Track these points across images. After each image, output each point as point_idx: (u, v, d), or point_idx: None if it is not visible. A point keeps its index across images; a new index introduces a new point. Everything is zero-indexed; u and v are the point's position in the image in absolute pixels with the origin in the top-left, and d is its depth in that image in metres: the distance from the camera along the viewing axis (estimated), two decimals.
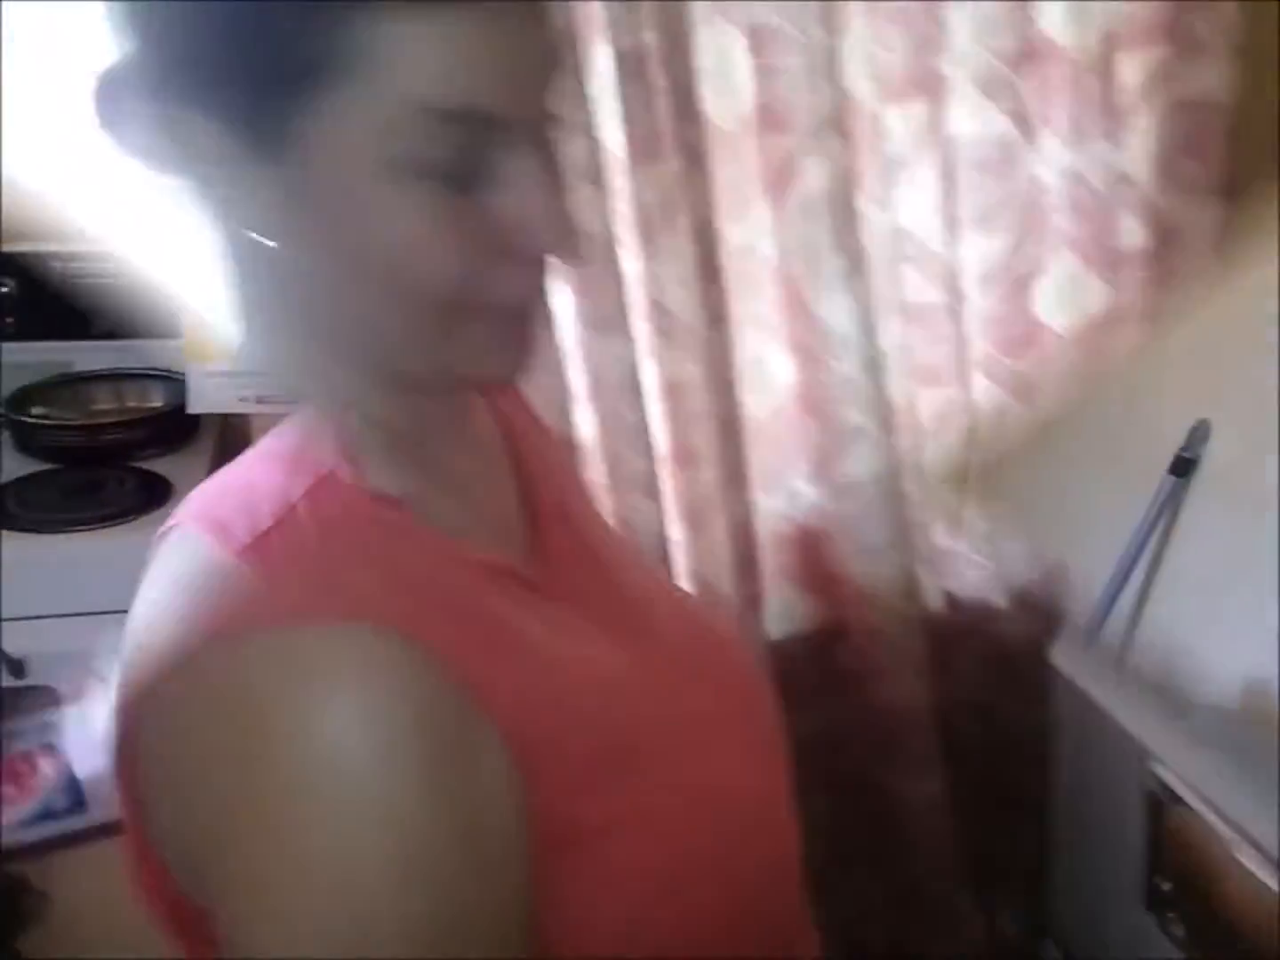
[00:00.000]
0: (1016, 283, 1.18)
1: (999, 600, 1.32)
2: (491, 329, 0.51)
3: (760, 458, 1.19)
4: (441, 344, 0.51)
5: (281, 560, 0.48)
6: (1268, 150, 1.20)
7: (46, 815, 1.08)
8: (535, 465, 0.64)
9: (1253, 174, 1.18)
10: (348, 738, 0.44)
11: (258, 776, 0.44)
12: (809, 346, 1.14)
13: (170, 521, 0.53)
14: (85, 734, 1.09)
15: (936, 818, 1.34)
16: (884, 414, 1.17)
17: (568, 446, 1.04)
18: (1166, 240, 1.18)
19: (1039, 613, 1.33)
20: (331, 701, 0.44)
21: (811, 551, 1.25)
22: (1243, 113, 1.13)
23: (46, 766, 1.09)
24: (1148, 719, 1.14)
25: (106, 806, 1.08)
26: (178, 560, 0.51)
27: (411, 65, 0.44)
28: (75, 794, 1.09)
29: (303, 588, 0.47)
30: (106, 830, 1.09)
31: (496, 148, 0.47)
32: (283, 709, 0.44)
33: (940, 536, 1.29)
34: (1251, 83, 1.12)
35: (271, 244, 0.48)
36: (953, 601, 1.31)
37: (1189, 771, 1.07)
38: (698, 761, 0.56)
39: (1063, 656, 1.27)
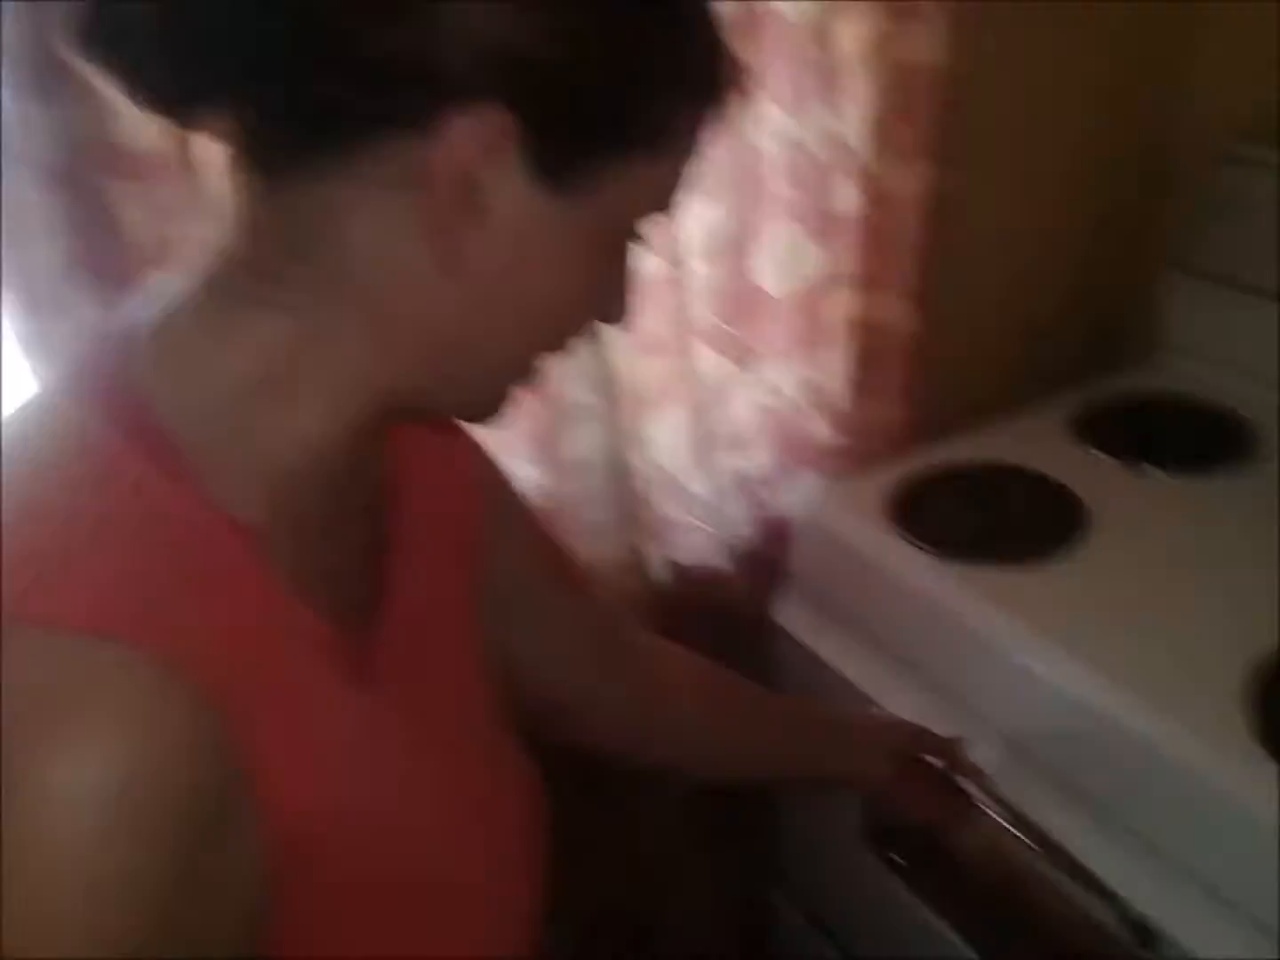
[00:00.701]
0: (736, 250, 1.15)
1: (723, 564, 1.32)
2: (530, 380, 0.54)
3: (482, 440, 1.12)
4: (492, 387, 0.53)
5: (70, 550, 0.42)
6: (979, 114, 1.23)
7: None
8: (417, 529, 0.59)
9: (964, 138, 1.20)
10: (76, 787, 0.37)
11: None
12: None
13: None
14: None
15: (664, 786, 1.34)
16: (608, 388, 1.12)
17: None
18: (879, 205, 1.19)
19: (762, 573, 1.34)
20: (70, 736, 0.38)
21: None
22: (955, 78, 1.14)
23: None
24: (870, 668, 1.17)
25: None
26: None
27: (687, 146, 0.50)
28: None
29: (87, 587, 0.41)
30: None
31: None
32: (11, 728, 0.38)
33: (664, 507, 1.26)
34: (963, 46, 1.13)
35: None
36: (679, 571, 1.29)
37: (906, 711, 1.10)
38: (447, 925, 0.52)
39: (785, 613, 1.29)
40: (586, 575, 0.81)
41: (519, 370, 0.54)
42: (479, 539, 0.66)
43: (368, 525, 0.57)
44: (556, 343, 0.54)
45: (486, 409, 0.55)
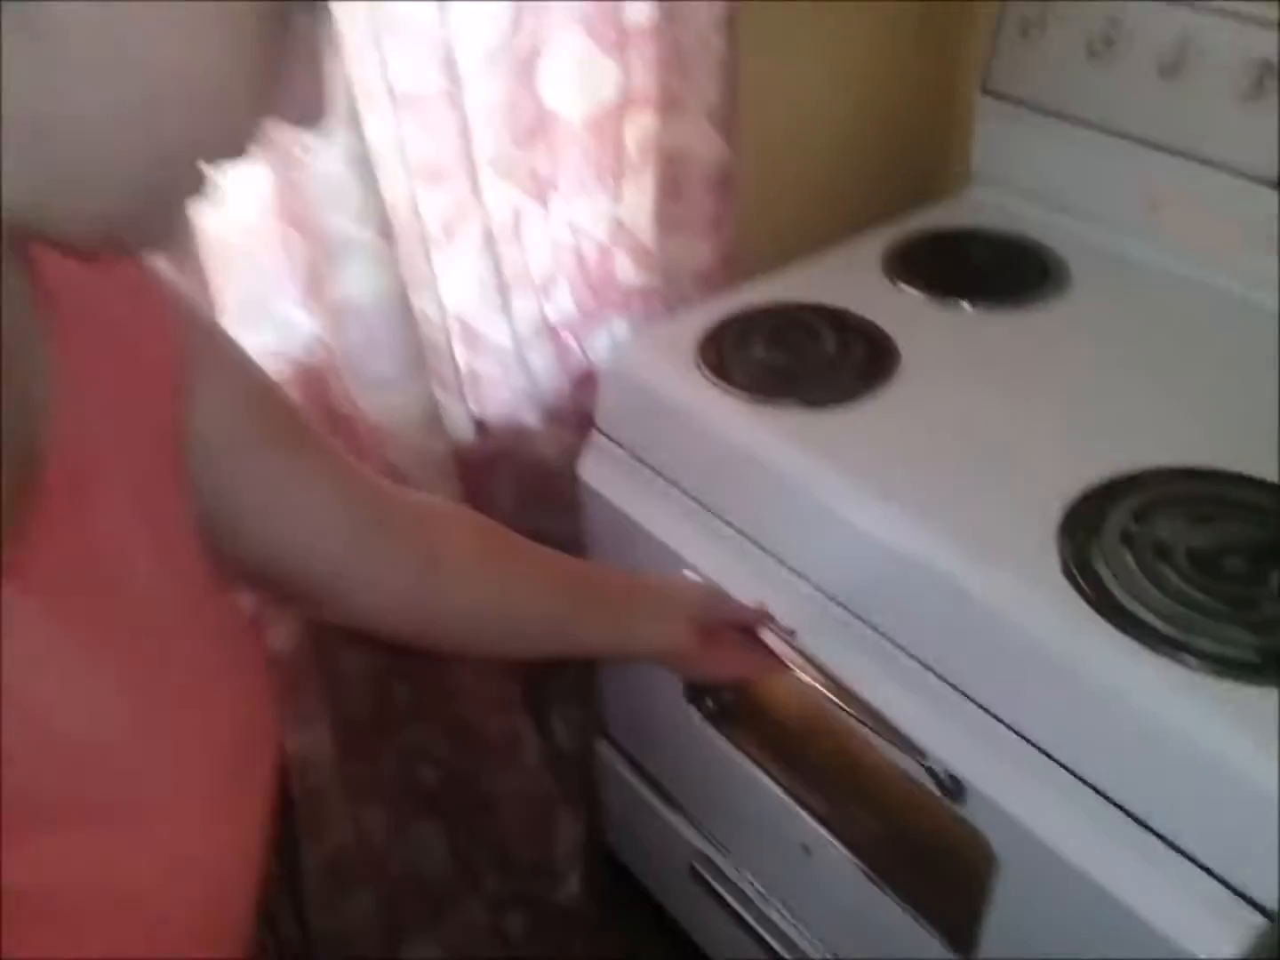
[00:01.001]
0: (522, 65, 1.03)
1: (529, 418, 1.23)
2: (195, 194, 0.43)
3: (241, 285, 0.99)
4: (144, 200, 0.41)
5: None
6: None
7: None
8: (89, 388, 0.48)
9: None
10: None
11: None
12: (278, 142, 0.92)
13: None
14: None
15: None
16: (381, 220, 1.00)
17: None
18: (675, 18, 1.08)
19: (571, 426, 1.26)
20: None
21: (316, 391, 1.08)
22: None
23: None
24: (678, 523, 1.13)
25: None
26: None
27: None
28: None
29: None
30: None
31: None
32: None
33: (461, 356, 1.16)
34: None
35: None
36: (481, 427, 1.20)
37: (715, 570, 1.06)
38: (152, 840, 0.44)
39: (592, 469, 1.23)
40: (328, 437, 0.71)
41: (177, 179, 0.42)
42: (178, 392, 0.55)
43: (11, 387, 0.45)
44: (217, 142, 0.42)
45: (148, 232, 0.44)
